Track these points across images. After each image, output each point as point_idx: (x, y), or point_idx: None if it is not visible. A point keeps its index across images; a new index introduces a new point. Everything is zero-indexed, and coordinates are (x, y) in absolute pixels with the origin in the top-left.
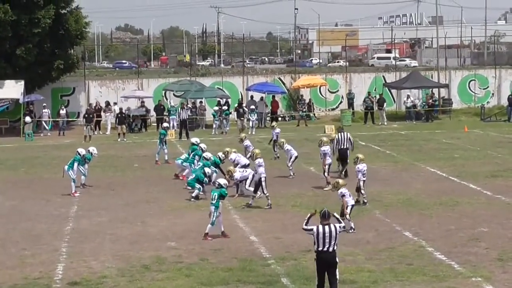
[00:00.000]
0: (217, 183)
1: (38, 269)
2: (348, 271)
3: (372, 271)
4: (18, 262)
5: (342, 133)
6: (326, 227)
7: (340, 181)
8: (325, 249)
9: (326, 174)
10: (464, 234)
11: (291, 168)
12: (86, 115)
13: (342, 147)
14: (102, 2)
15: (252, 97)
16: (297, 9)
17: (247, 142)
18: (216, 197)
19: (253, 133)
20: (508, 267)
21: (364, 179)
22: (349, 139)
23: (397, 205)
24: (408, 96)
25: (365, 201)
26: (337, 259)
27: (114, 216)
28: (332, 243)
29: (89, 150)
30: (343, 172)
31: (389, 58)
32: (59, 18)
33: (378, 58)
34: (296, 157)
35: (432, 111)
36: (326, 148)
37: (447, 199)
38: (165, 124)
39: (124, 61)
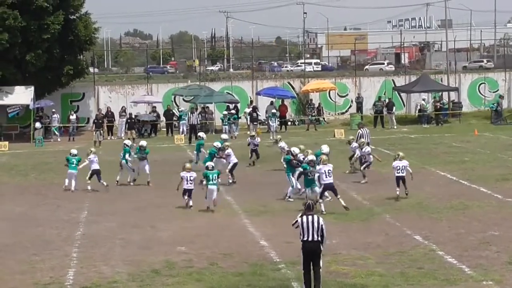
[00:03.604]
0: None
1: (48, 274)
2: (358, 275)
3: (383, 275)
4: (28, 267)
5: (364, 129)
6: (310, 217)
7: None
8: (310, 238)
9: (362, 168)
10: (474, 237)
11: (229, 176)
12: (96, 121)
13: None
14: (111, 7)
15: (272, 102)
16: (306, 13)
17: (282, 144)
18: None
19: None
20: None
21: (403, 174)
22: (368, 134)
23: (407, 208)
24: (424, 99)
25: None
26: (321, 248)
27: (124, 221)
28: (315, 233)
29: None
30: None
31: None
32: (68, 24)
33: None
34: (235, 164)
35: (441, 114)
36: (356, 145)
37: (457, 203)
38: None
39: (156, 66)
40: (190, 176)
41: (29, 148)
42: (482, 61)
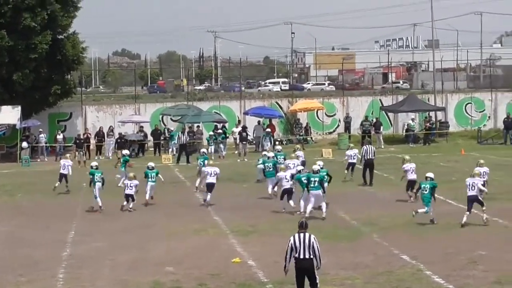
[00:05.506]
0: None
1: None
2: None
3: None
4: None
5: (369, 146)
6: (302, 235)
7: None
8: (301, 256)
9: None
10: (462, 257)
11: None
12: (77, 141)
13: (369, 157)
14: (99, 27)
15: (259, 122)
16: (293, 33)
17: (299, 153)
18: None
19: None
20: None
21: (486, 178)
22: (374, 151)
23: (395, 228)
24: (413, 119)
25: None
26: (317, 266)
27: (112, 242)
28: (307, 250)
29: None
30: (371, 181)
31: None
32: (56, 44)
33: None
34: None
35: (429, 134)
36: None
37: (445, 223)
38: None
39: (159, 85)
40: (130, 183)
41: (16, 168)
42: (399, 82)
